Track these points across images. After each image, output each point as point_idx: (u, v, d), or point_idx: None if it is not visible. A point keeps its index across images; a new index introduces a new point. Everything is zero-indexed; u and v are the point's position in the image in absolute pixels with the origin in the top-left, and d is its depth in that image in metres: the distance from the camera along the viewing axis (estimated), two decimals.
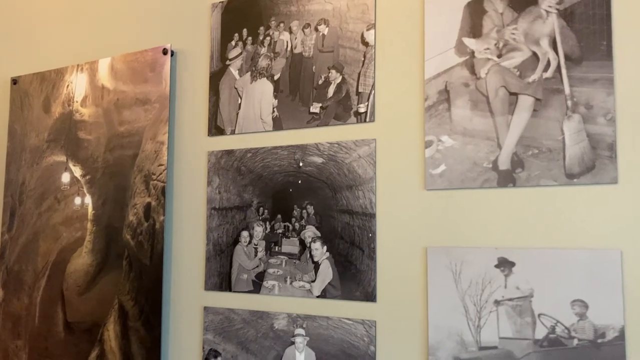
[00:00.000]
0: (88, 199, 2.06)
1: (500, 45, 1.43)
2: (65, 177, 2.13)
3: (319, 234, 1.64)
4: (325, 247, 1.62)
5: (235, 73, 1.83)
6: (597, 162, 1.30)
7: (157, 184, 1.90)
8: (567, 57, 1.35)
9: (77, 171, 2.10)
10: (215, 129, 1.84)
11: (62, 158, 2.14)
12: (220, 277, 1.78)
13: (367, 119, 1.60)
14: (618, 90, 1.29)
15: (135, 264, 1.91)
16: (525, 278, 1.34)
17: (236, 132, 1.80)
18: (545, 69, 1.37)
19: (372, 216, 1.56)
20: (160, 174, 1.89)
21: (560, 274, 1.31)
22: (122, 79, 2.03)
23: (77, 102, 2.13)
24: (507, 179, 1.39)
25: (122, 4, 2.11)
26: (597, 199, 1.30)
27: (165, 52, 1.94)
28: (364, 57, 1.62)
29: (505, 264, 1.37)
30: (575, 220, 1.32)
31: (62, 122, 2.15)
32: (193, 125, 1.90)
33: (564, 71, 1.35)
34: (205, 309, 1.79)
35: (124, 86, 2.02)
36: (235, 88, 1.82)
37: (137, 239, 1.92)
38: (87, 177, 2.07)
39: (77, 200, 2.09)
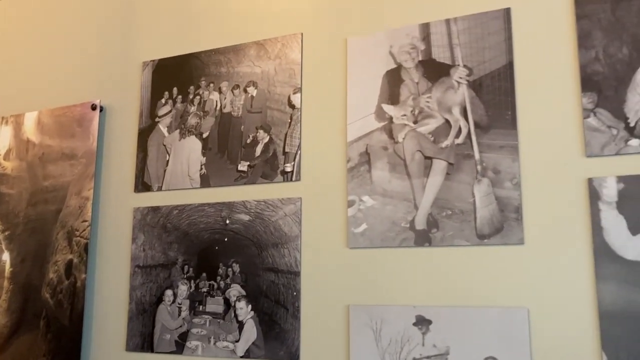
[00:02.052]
0: (6, 256, 1.98)
1: (416, 112, 1.51)
2: None
3: (244, 292, 1.63)
4: (250, 306, 1.61)
5: (164, 130, 1.85)
6: (505, 224, 1.37)
7: (80, 241, 1.85)
8: (477, 125, 1.44)
9: None
10: (142, 185, 1.84)
11: None
12: (143, 337, 1.73)
13: (293, 178, 1.64)
14: (522, 157, 1.39)
15: (53, 324, 1.84)
16: (442, 336, 1.38)
17: (163, 188, 1.80)
18: (457, 136, 1.46)
19: (297, 274, 1.58)
20: (84, 230, 1.85)
21: (473, 332, 1.36)
22: (49, 133, 2.00)
23: None
24: (423, 239, 1.45)
25: (52, 58, 2.11)
26: (505, 259, 1.37)
27: (94, 107, 1.93)
28: (291, 118, 1.68)
29: (422, 322, 1.41)
30: (486, 280, 1.38)
31: None
32: (119, 181, 1.88)
33: (473, 138, 1.44)
34: None
35: (50, 140, 2.00)
36: (164, 145, 1.83)
37: (56, 297, 1.85)
38: (7, 233, 2.00)
39: None
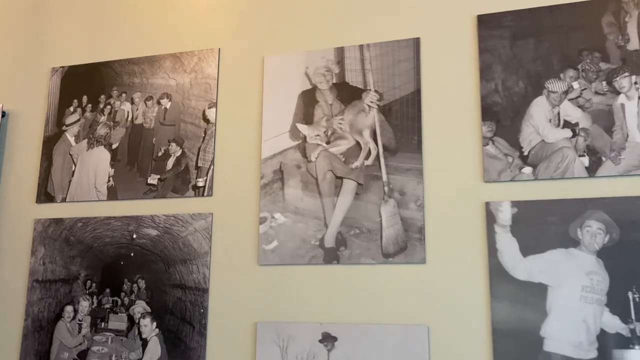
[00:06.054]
0: None
1: (329, 133, 1.55)
2: None
3: (149, 309, 1.59)
4: (154, 324, 1.57)
5: (72, 139, 1.78)
6: (408, 244, 1.43)
7: None
8: (385, 148, 1.50)
9: None
10: (45, 196, 1.75)
11: None
12: (38, 356, 1.64)
13: (205, 193, 1.63)
14: (426, 180, 1.46)
15: None
16: (346, 353, 1.41)
17: (67, 199, 1.73)
18: (367, 157, 1.51)
19: (205, 291, 1.56)
20: None
21: (376, 349, 1.39)
22: None
23: None
24: (332, 257, 1.48)
25: None
26: (408, 278, 1.42)
27: None
28: (205, 133, 1.66)
29: (328, 339, 1.43)
30: (390, 298, 1.43)
31: None
32: (20, 190, 1.79)
33: (382, 160, 1.49)
34: None
35: None
36: (70, 154, 1.76)
37: None
38: None
39: None
